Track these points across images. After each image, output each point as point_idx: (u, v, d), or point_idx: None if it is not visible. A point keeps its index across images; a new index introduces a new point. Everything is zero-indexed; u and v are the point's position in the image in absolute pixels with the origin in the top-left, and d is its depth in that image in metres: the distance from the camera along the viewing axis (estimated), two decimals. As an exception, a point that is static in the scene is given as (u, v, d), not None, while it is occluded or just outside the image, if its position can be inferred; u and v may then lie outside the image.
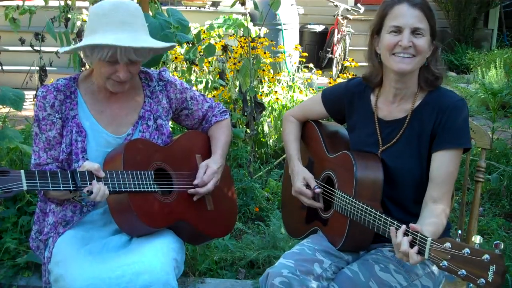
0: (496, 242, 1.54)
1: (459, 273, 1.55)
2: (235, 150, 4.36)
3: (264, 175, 4.32)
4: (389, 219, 1.82)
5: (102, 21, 2.05)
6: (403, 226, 1.74)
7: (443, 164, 1.95)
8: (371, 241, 2.05)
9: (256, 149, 4.65)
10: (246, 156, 4.29)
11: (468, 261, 1.54)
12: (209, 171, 2.26)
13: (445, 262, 1.59)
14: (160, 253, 2.03)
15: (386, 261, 1.99)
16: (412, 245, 1.70)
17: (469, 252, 1.55)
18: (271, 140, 4.89)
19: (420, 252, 1.68)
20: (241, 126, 4.40)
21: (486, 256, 1.51)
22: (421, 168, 2.01)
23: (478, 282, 1.51)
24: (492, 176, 3.96)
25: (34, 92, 3.97)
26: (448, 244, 1.59)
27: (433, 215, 1.90)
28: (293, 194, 2.27)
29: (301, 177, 2.24)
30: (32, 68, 4.17)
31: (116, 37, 2.01)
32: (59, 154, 2.15)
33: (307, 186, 2.22)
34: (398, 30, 1.96)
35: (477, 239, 1.57)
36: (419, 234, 1.69)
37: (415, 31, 1.96)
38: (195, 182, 2.23)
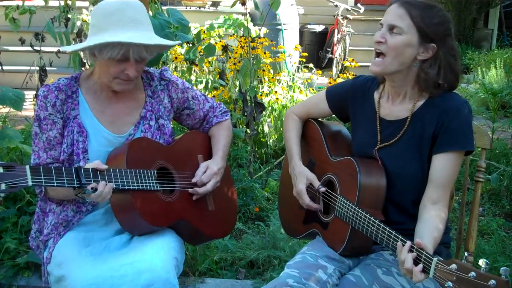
0: (503, 268, 1.51)
1: None
2: (235, 150, 4.36)
3: (264, 175, 4.31)
4: (393, 233, 1.79)
5: (111, 19, 2.05)
6: (408, 243, 1.71)
7: (444, 166, 1.93)
8: (371, 247, 2.04)
9: (256, 149, 4.65)
10: (246, 156, 4.29)
11: (473, 284, 1.51)
12: (208, 172, 2.27)
13: (450, 283, 1.56)
14: (161, 252, 2.03)
15: (387, 264, 1.98)
16: (416, 262, 1.67)
17: (475, 275, 1.52)
18: (271, 140, 4.89)
19: (425, 270, 1.65)
20: (241, 126, 4.39)
21: (492, 282, 1.48)
22: (422, 170, 1.97)
23: None
24: (492, 176, 3.96)
25: (34, 92, 3.97)
26: (454, 266, 1.57)
27: (433, 221, 1.87)
28: (294, 194, 2.25)
29: (304, 177, 2.20)
30: (32, 68, 4.16)
31: (128, 35, 2.01)
32: (59, 155, 2.15)
33: (310, 186, 2.20)
34: (381, 27, 1.97)
35: (483, 263, 1.54)
36: (424, 253, 1.66)
37: (392, 29, 1.93)
38: (193, 180, 2.25)
